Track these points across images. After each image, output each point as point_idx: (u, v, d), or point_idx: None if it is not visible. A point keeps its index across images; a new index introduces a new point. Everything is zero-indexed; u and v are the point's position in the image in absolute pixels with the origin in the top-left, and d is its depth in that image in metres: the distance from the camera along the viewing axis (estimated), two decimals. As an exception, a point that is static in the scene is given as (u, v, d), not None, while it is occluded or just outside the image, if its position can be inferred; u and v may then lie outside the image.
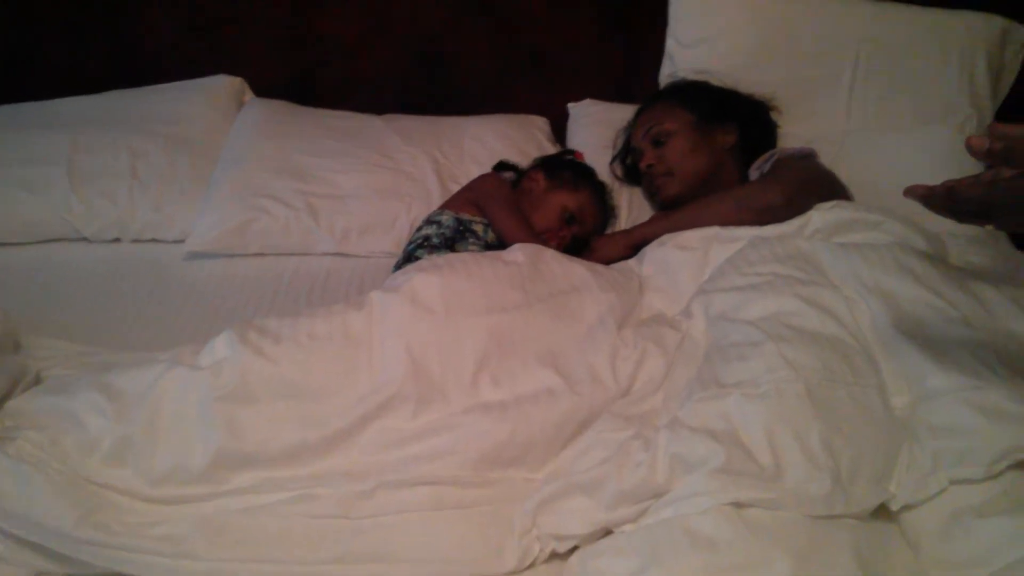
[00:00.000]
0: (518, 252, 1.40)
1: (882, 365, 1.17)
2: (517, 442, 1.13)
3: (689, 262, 1.46)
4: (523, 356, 1.22)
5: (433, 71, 2.21)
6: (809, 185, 1.56)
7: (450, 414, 1.15)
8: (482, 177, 1.78)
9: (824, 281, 1.29)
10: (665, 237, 1.54)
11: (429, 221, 1.66)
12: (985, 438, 1.02)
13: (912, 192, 0.97)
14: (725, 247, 1.46)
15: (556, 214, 1.69)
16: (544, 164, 1.81)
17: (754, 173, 1.70)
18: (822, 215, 1.46)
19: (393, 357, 1.17)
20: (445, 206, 1.70)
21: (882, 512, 1.05)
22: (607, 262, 1.57)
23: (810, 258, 1.35)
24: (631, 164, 1.89)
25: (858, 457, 1.03)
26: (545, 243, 1.57)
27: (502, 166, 1.86)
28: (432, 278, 1.28)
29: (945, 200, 0.94)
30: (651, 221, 1.64)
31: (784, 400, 1.07)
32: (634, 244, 1.62)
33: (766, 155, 1.72)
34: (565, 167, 1.79)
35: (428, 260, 1.38)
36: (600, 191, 1.78)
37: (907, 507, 1.03)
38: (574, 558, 1.02)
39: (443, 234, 1.61)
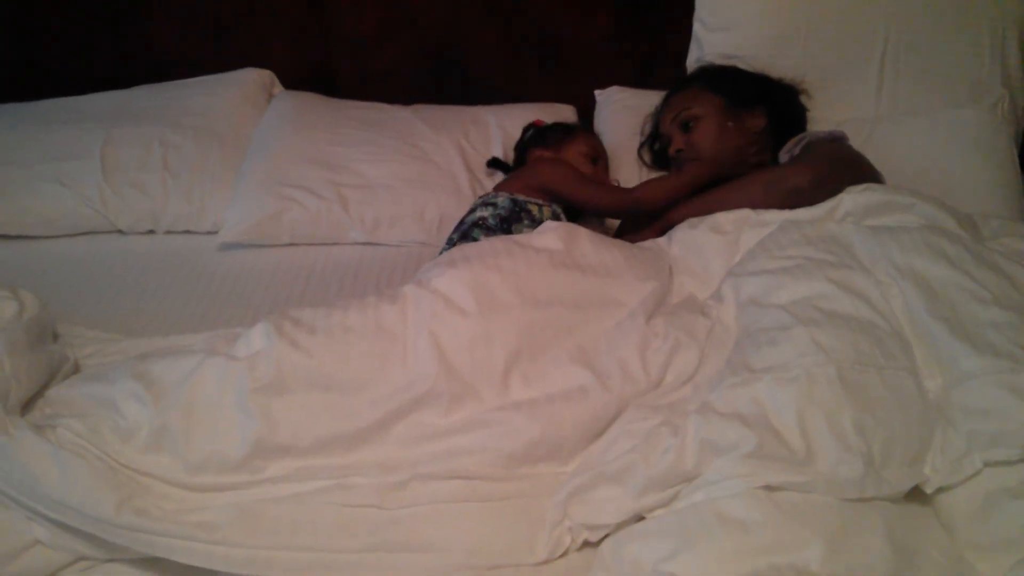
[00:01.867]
0: (552, 235, 1.39)
1: (915, 348, 1.16)
2: (548, 440, 1.13)
3: (720, 245, 1.46)
4: (554, 353, 1.22)
5: (450, 63, 2.21)
6: (839, 168, 1.54)
7: (482, 412, 1.16)
8: (544, 162, 1.78)
9: (856, 264, 1.29)
10: (696, 219, 1.54)
11: (485, 203, 1.66)
12: (1020, 420, 1.01)
13: None
14: (756, 231, 1.45)
15: (583, 163, 1.77)
16: (531, 141, 1.87)
17: (784, 157, 1.68)
18: (853, 198, 1.44)
19: (425, 354, 1.18)
20: (500, 188, 1.70)
21: (916, 495, 1.04)
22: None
23: (841, 241, 1.34)
24: (659, 149, 1.88)
25: (891, 440, 1.03)
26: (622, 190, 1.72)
27: (493, 164, 1.92)
28: (463, 274, 1.27)
29: None
30: (680, 205, 1.64)
31: (815, 384, 1.07)
32: (663, 229, 1.61)
33: (796, 139, 1.70)
34: (548, 131, 1.87)
35: (459, 251, 1.38)
36: (587, 129, 1.94)
37: (941, 489, 1.03)
38: (606, 545, 1.03)
39: (499, 215, 1.61)
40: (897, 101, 1.95)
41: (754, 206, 1.50)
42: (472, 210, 1.67)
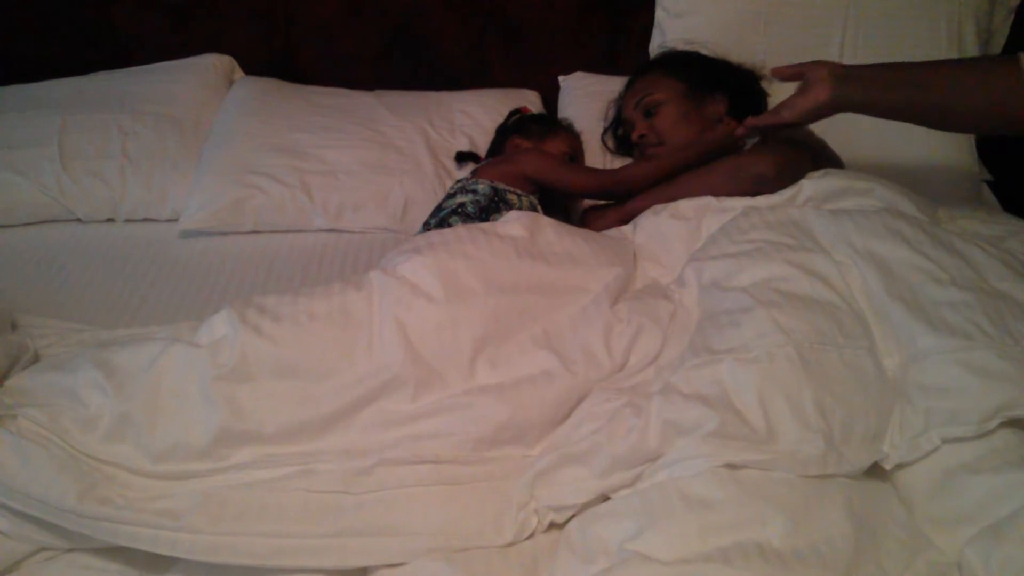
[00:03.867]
0: (516, 224, 1.39)
1: (873, 328, 1.18)
2: (515, 423, 1.14)
3: (683, 231, 1.47)
4: (519, 339, 1.23)
5: (411, 48, 2.19)
6: (799, 155, 1.56)
7: (449, 396, 1.16)
8: (527, 153, 1.76)
9: (815, 247, 1.30)
10: (659, 207, 1.55)
11: (464, 189, 1.65)
12: (975, 397, 1.03)
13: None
14: (718, 217, 1.46)
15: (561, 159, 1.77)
16: (514, 127, 1.87)
17: (747, 142, 1.70)
18: (813, 184, 1.46)
19: (391, 341, 1.18)
20: (480, 174, 1.70)
21: (875, 471, 1.06)
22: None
23: (801, 225, 1.36)
24: (623, 135, 1.89)
25: (850, 418, 1.05)
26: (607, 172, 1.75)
27: (462, 156, 1.92)
28: (429, 261, 1.27)
29: None
30: (643, 193, 1.65)
31: (776, 364, 1.09)
32: (624, 219, 1.62)
33: None
34: (532, 122, 1.86)
35: (424, 238, 1.37)
36: (568, 125, 1.90)
37: (900, 466, 1.05)
38: (572, 525, 1.03)
39: (478, 202, 1.60)
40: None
41: (717, 194, 1.51)
42: (451, 195, 1.67)
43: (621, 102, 1.87)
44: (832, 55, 1.95)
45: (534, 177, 1.67)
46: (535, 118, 1.89)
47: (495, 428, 1.13)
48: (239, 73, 2.19)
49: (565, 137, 1.85)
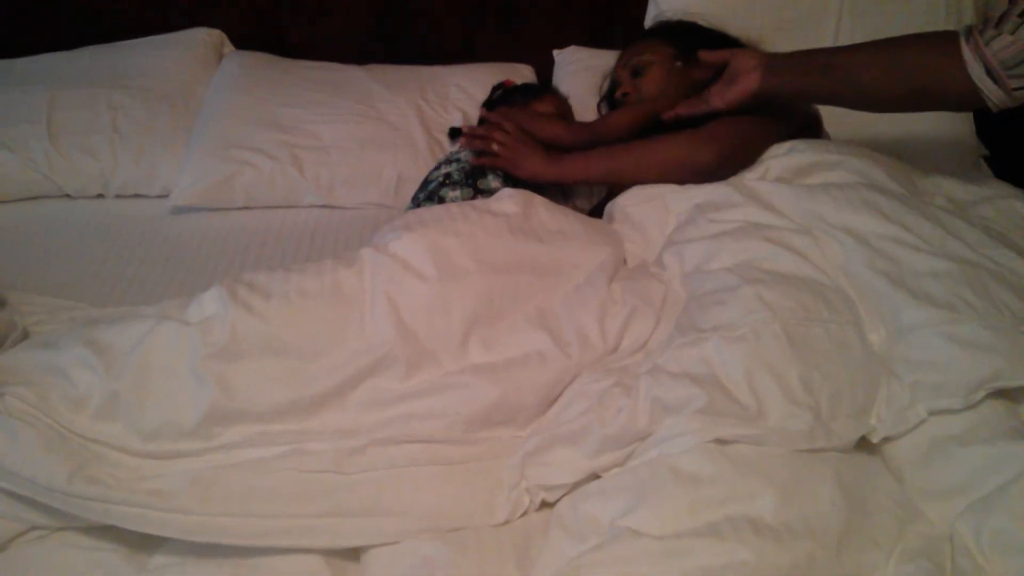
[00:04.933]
0: (509, 201, 1.38)
1: (857, 303, 1.18)
2: (507, 405, 1.13)
3: (651, 213, 1.46)
4: (512, 318, 1.22)
5: (402, 22, 2.18)
6: (757, 132, 1.51)
7: (441, 375, 1.16)
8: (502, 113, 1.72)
9: (792, 225, 1.30)
10: (619, 198, 1.52)
11: (448, 160, 1.64)
12: (962, 369, 1.03)
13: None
14: (680, 195, 1.45)
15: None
16: (499, 100, 1.83)
17: None
18: (780, 161, 1.44)
19: (383, 319, 1.17)
20: (465, 146, 1.67)
21: (864, 445, 1.07)
22: (535, 179, 1.57)
23: (775, 204, 1.35)
24: (609, 95, 1.85)
25: (837, 393, 1.05)
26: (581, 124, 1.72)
27: (455, 132, 1.85)
28: (420, 238, 1.26)
29: None
30: (588, 157, 1.58)
31: (762, 341, 1.09)
32: (564, 179, 1.60)
33: None
34: (517, 92, 1.83)
35: (415, 215, 1.36)
36: (554, 89, 1.89)
37: (888, 440, 1.05)
38: (562, 503, 1.03)
39: (463, 168, 1.59)
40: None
41: (664, 181, 1.48)
42: (436, 167, 1.65)
43: (613, 68, 1.85)
44: (828, 29, 1.94)
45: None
46: (519, 89, 1.86)
47: (486, 409, 1.12)
48: (229, 47, 2.17)
49: (552, 99, 1.83)
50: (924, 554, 0.91)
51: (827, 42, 1.94)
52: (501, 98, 1.84)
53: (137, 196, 1.85)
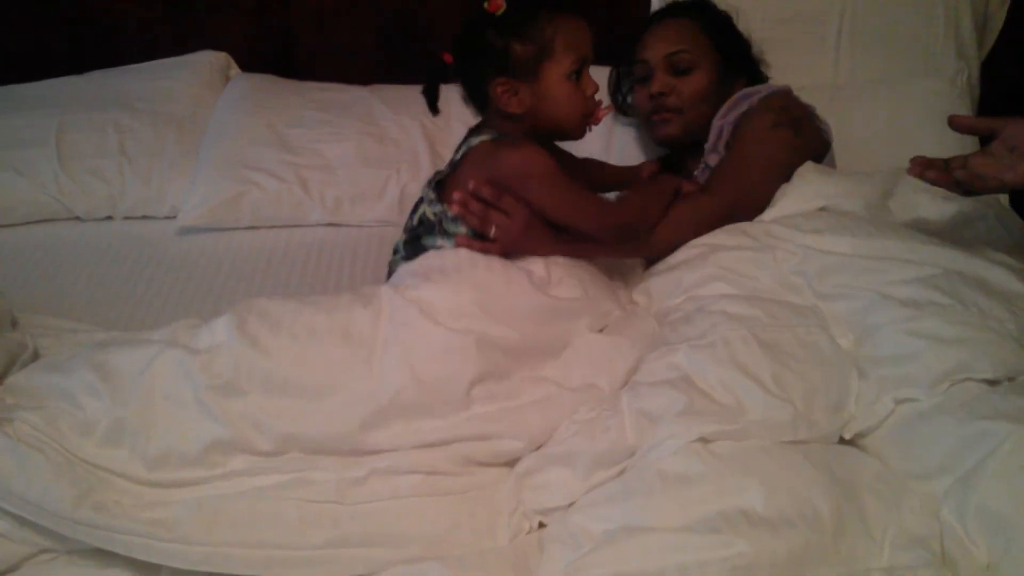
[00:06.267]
0: (535, 263, 1.32)
1: (824, 310, 1.20)
2: (510, 449, 1.13)
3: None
4: (522, 374, 1.20)
5: (409, 39, 2.19)
6: (747, 180, 1.46)
7: (445, 425, 1.13)
8: (511, 151, 1.34)
9: (756, 244, 1.32)
10: None
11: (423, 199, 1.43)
12: (926, 361, 1.06)
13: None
14: None
15: (573, 90, 1.34)
16: (487, 59, 1.33)
17: (717, 122, 1.58)
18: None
19: (393, 364, 1.14)
20: (447, 183, 1.40)
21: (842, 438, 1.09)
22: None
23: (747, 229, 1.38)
24: (623, 79, 1.73)
25: (811, 391, 1.07)
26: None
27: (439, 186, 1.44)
28: (442, 287, 1.23)
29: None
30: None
31: (731, 346, 1.11)
32: (576, 256, 1.37)
33: (733, 99, 1.59)
34: (510, 41, 1.30)
35: (439, 259, 1.30)
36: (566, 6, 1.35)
37: (860, 435, 1.07)
38: (555, 519, 1.04)
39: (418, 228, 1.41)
40: (855, 68, 1.97)
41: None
42: (426, 233, 1.40)
43: (640, 41, 1.66)
44: (829, 43, 1.95)
45: (499, 181, 1.33)
46: (516, 18, 1.30)
47: (489, 453, 1.12)
48: (235, 70, 2.19)
49: (567, 47, 1.31)
50: (917, 539, 0.92)
51: (829, 53, 1.95)
52: (498, 59, 1.32)
53: (145, 217, 1.88)
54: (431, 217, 1.39)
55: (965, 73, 1.94)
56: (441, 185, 1.42)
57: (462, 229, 1.35)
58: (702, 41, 1.61)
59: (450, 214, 1.35)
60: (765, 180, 1.45)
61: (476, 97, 1.41)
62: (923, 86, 1.92)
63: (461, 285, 1.25)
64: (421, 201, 1.43)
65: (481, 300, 1.22)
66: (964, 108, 1.91)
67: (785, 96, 1.59)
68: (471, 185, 1.32)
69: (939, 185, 1.13)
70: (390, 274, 1.42)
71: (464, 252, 1.31)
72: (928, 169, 1.12)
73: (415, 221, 1.43)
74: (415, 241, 1.41)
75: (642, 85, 1.66)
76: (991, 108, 1.97)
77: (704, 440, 0.99)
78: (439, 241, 1.37)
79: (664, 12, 1.70)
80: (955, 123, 1.15)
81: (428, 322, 1.18)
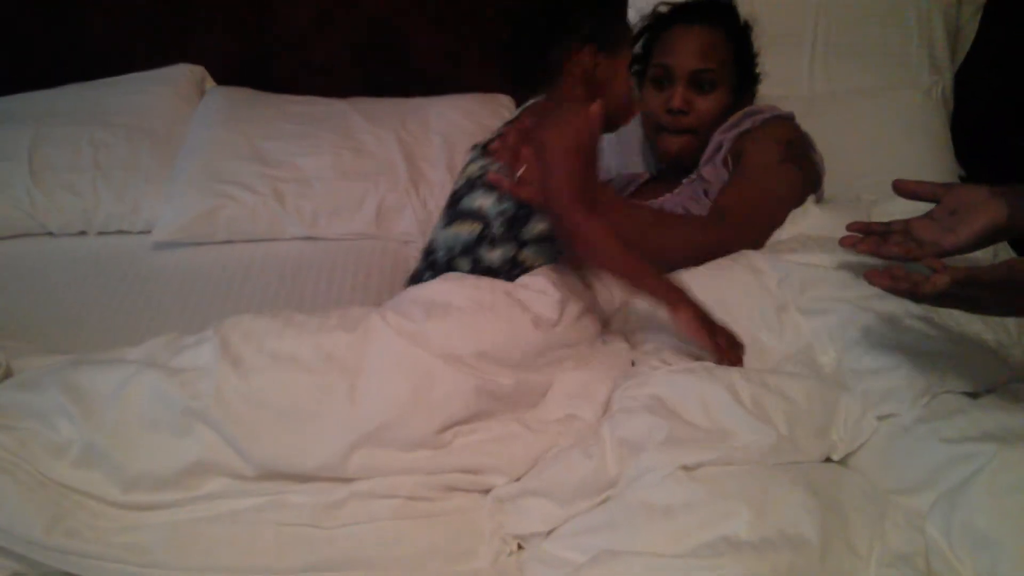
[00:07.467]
0: (549, 300, 1.28)
1: (804, 327, 1.21)
2: (491, 481, 1.12)
3: None
4: (501, 418, 1.18)
5: (387, 54, 2.19)
6: (752, 217, 1.46)
7: (425, 456, 1.12)
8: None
9: (731, 263, 1.34)
10: None
11: (483, 182, 1.36)
12: (907, 376, 1.07)
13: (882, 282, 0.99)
14: None
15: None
16: (568, 18, 1.36)
17: (717, 136, 1.58)
18: None
19: (375, 395, 1.12)
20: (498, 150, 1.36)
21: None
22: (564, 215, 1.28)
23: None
24: (643, 73, 1.67)
25: (794, 415, 1.06)
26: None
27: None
28: (439, 324, 1.20)
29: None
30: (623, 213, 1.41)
31: (708, 369, 1.12)
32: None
33: (736, 116, 1.59)
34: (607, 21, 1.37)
35: (444, 293, 1.26)
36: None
37: (849, 455, 1.07)
38: (536, 545, 1.03)
39: (505, 217, 1.35)
40: (830, 79, 1.98)
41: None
42: (466, 192, 1.38)
43: (661, 32, 1.62)
44: (804, 54, 1.96)
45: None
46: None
47: (466, 482, 1.11)
48: (210, 83, 2.18)
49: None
50: (902, 556, 0.91)
51: (803, 65, 1.96)
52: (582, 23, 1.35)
53: (120, 232, 1.86)
54: (476, 173, 1.38)
55: (940, 84, 1.95)
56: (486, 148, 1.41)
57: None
58: (727, 57, 1.60)
59: (493, 168, 1.35)
60: (772, 215, 1.47)
61: (535, 71, 1.39)
62: (898, 97, 1.94)
63: (462, 324, 1.21)
64: (465, 168, 1.43)
65: (479, 345, 1.19)
66: (939, 118, 1.93)
67: (791, 129, 1.60)
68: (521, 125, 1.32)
69: (876, 255, 1.09)
70: (411, 279, 1.42)
71: (470, 288, 1.27)
72: (862, 242, 1.10)
73: (459, 184, 1.41)
74: (454, 205, 1.39)
75: (658, 88, 1.63)
76: (966, 118, 1.99)
77: (686, 468, 0.99)
78: (477, 202, 1.35)
79: (695, 13, 1.63)
80: (899, 188, 1.13)
81: (415, 358, 1.16)
